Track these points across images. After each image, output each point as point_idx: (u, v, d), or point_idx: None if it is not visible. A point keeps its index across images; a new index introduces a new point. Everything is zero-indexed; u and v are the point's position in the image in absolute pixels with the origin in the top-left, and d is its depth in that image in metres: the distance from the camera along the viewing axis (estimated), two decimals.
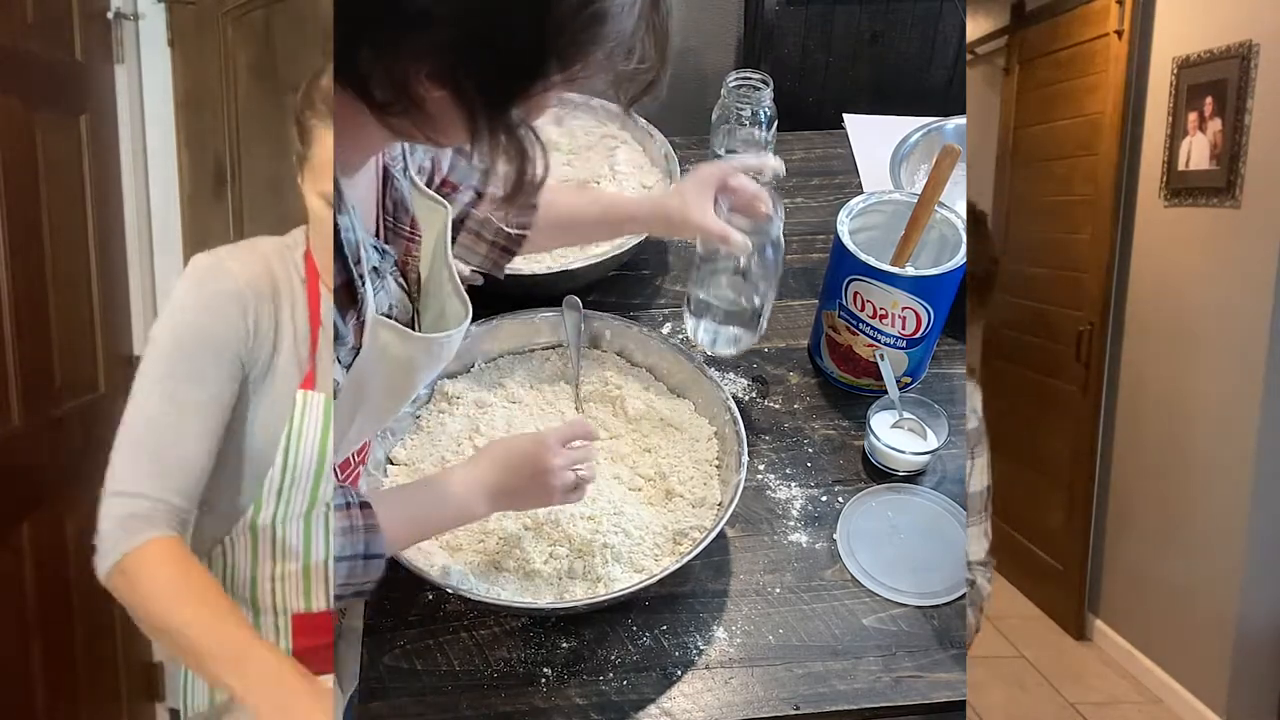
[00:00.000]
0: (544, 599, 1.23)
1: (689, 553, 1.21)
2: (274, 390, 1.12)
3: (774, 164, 1.39)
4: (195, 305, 1.08)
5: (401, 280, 1.18)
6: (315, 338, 1.13)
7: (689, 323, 1.50)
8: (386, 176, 1.14)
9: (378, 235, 1.14)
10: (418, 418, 1.40)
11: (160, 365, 1.07)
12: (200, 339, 1.07)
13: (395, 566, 1.20)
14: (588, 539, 1.26)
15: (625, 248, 1.55)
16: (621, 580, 1.24)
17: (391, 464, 1.36)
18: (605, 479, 1.34)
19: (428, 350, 1.13)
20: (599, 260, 1.54)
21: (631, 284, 1.64)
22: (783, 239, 1.37)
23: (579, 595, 1.23)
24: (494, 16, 0.82)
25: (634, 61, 0.92)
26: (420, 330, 1.18)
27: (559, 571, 1.24)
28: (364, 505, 1.07)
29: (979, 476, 1.39)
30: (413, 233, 1.17)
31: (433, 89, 0.87)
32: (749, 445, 1.32)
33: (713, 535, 1.23)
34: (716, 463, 1.36)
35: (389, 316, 1.11)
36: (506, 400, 1.42)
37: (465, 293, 1.16)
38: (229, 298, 1.08)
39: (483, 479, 1.15)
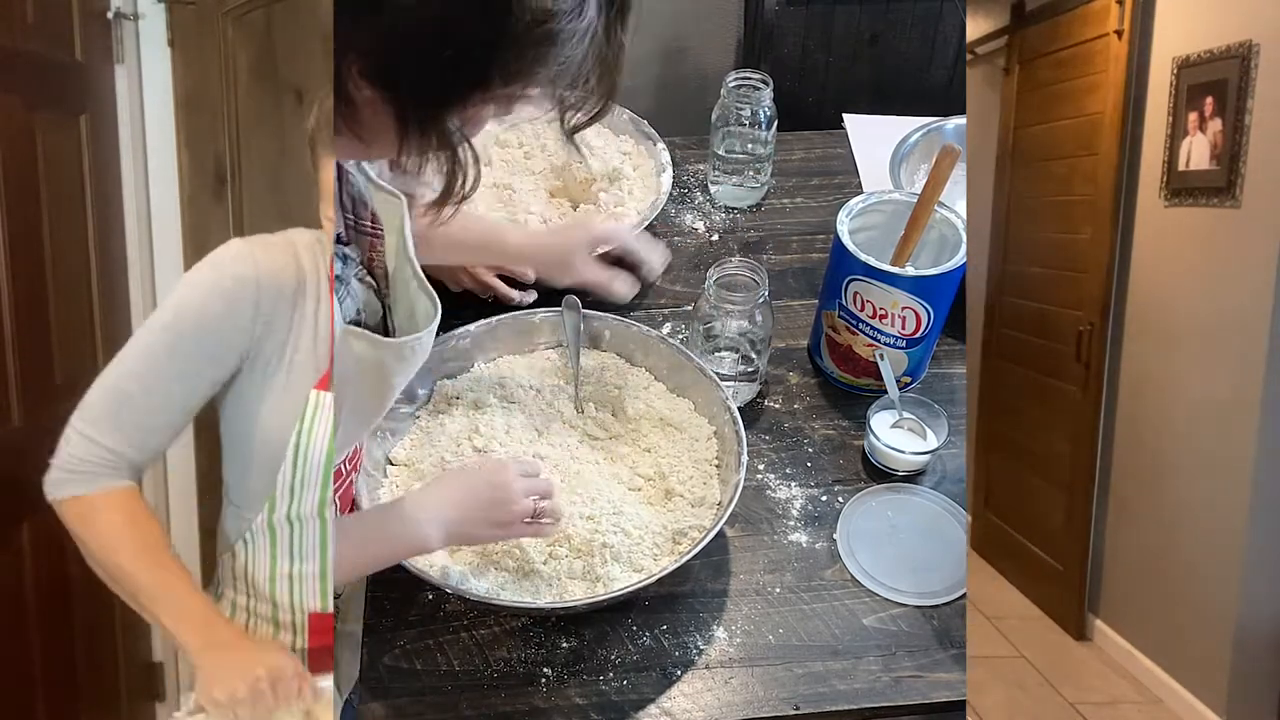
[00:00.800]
0: (543, 599, 1.23)
1: (688, 552, 1.21)
2: (289, 386, 1.12)
3: (659, 260, 1.51)
4: (208, 286, 1.09)
5: (369, 278, 1.18)
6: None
7: None
8: (341, 172, 1.13)
9: (343, 236, 1.14)
10: (417, 418, 1.40)
11: (157, 333, 1.09)
12: (201, 320, 1.09)
13: (396, 567, 1.20)
14: (587, 539, 1.26)
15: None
16: (621, 580, 1.24)
17: (391, 464, 1.36)
18: (605, 479, 1.34)
19: (399, 354, 1.13)
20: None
21: None
22: (771, 303, 1.44)
23: (578, 595, 1.23)
24: (444, 18, 0.82)
25: (579, 89, 0.92)
26: (393, 329, 1.19)
27: (558, 572, 1.24)
28: None
29: None
30: (374, 228, 1.17)
31: (364, 86, 0.87)
32: (749, 445, 1.32)
33: (711, 535, 1.23)
34: (716, 462, 1.36)
35: (358, 322, 1.12)
36: (505, 400, 1.42)
37: (432, 289, 1.15)
38: (244, 283, 1.09)
39: (439, 506, 1.13)
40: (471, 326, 1.43)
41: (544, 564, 1.25)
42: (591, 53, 0.89)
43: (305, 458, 1.13)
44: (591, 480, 1.32)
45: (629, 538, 1.27)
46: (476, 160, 0.94)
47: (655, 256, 1.50)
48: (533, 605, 1.21)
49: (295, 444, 1.13)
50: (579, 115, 0.97)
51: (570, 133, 1.00)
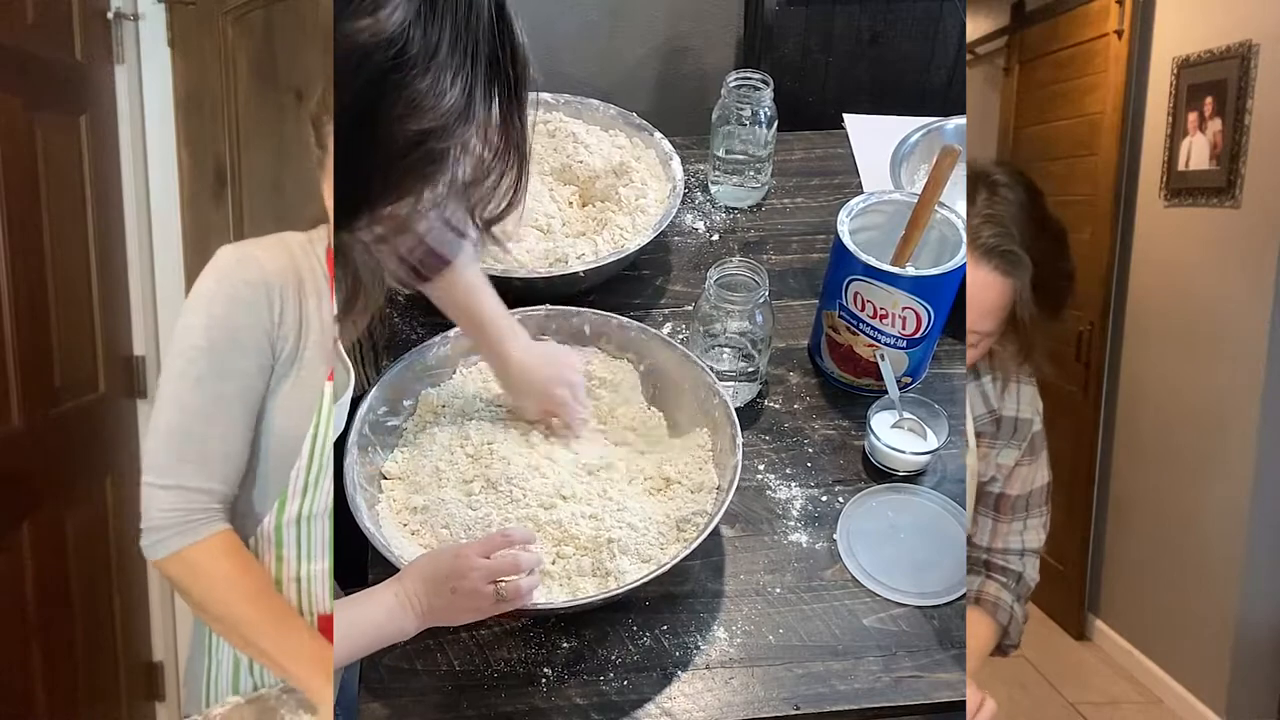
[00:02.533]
0: (558, 598, 1.22)
1: (695, 538, 1.21)
2: (301, 382, 1.13)
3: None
4: (225, 297, 1.09)
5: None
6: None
7: None
8: None
9: None
10: (404, 430, 1.38)
11: (194, 358, 1.08)
12: (232, 332, 1.08)
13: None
14: (593, 535, 1.25)
15: (628, 252, 1.55)
16: (631, 571, 1.23)
17: (385, 479, 1.34)
18: (602, 475, 1.33)
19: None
20: (601, 264, 1.54)
21: (633, 284, 1.64)
22: (771, 303, 1.43)
23: (590, 591, 1.22)
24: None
25: (486, 185, 0.85)
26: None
27: (568, 570, 1.24)
28: None
29: (1044, 470, 1.38)
30: None
31: None
32: (749, 445, 1.32)
33: (717, 518, 1.22)
34: (710, 448, 1.36)
35: None
36: (492, 405, 1.41)
37: (348, 360, 1.16)
38: (257, 287, 1.09)
39: (411, 597, 1.11)
40: (451, 332, 1.42)
41: (553, 564, 1.24)
42: (491, 146, 0.82)
43: (321, 453, 1.14)
44: (588, 478, 1.32)
45: (634, 530, 1.26)
46: (382, 280, 0.96)
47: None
48: (548, 606, 1.20)
49: (312, 438, 1.13)
50: (489, 209, 0.89)
51: (486, 226, 0.91)
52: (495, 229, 0.92)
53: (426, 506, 1.28)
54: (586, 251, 1.58)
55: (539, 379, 1.34)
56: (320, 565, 1.18)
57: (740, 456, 1.28)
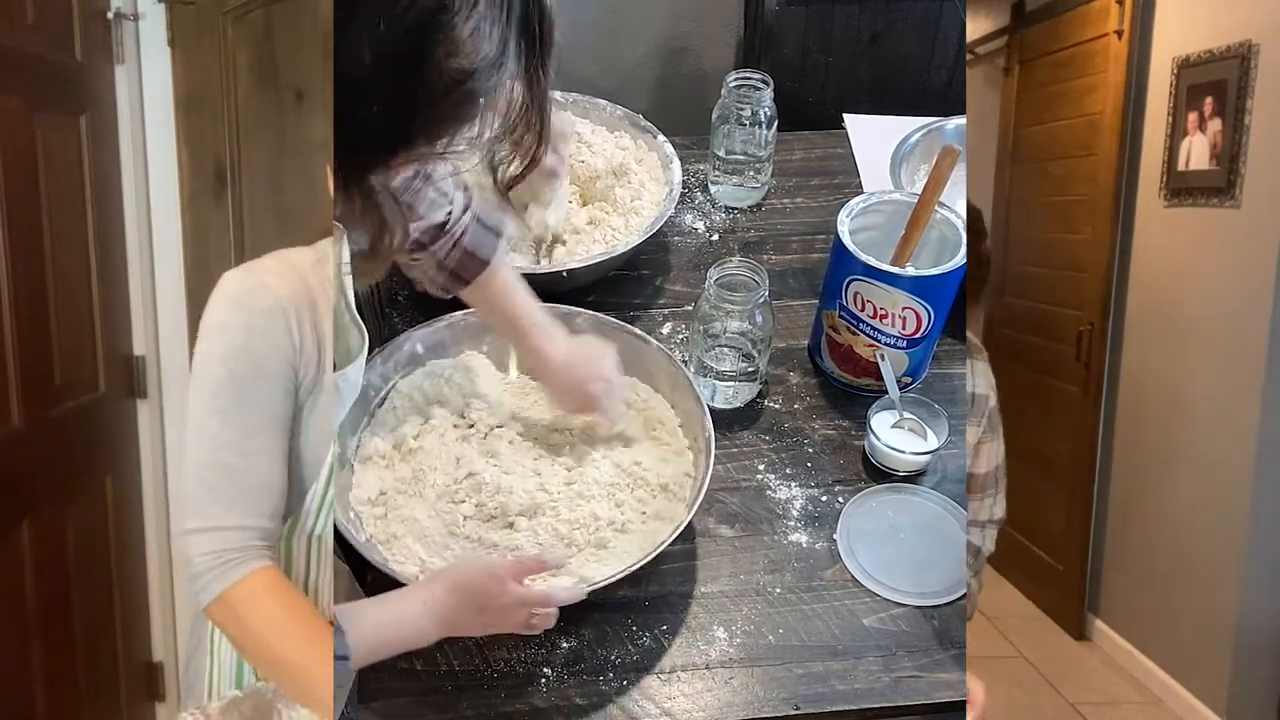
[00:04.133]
0: (635, 554, 1.21)
1: (707, 470, 1.24)
2: (321, 408, 1.11)
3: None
4: (243, 327, 1.06)
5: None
6: None
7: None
8: None
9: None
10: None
11: (220, 394, 1.05)
12: (254, 362, 1.06)
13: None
14: (625, 469, 1.28)
15: (625, 249, 1.55)
16: (676, 482, 1.27)
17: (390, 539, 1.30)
18: (591, 442, 1.35)
19: (333, 389, 1.12)
20: (599, 261, 1.54)
21: (633, 284, 1.64)
22: (771, 303, 1.43)
23: (664, 528, 1.23)
24: (360, 81, 0.83)
25: (508, 139, 0.93)
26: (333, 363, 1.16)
27: (639, 512, 1.27)
28: None
29: (1002, 445, 1.42)
30: None
31: None
32: (749, 445, 1.32)
33: (711, 454, 1.25)
34: (679, 423, 1.37)
35: None
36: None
37: (361, 321, 1.15)
38: (273, 315, 1.06)
39: (438, 605, 1.10)
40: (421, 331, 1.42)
41: (620, 513, 1.26)
42: (516, 102, 0.90)
43: (335, 475, 1.13)
44: (582, 441, 1.34)
45: (646, 467, 1.30)
46: (404, 217, 0.96)
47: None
48: (660, 549, 1.18)
49: (330, 463, 1.11)
50: (512, 168, 0.97)
51: (505, 188, 1.00)
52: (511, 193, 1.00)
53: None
54: (579, 250, 1.58)
55: (576, 377, 1.34)
56: (327, 573, 1.17)
57: (703, 405, 1.31)
